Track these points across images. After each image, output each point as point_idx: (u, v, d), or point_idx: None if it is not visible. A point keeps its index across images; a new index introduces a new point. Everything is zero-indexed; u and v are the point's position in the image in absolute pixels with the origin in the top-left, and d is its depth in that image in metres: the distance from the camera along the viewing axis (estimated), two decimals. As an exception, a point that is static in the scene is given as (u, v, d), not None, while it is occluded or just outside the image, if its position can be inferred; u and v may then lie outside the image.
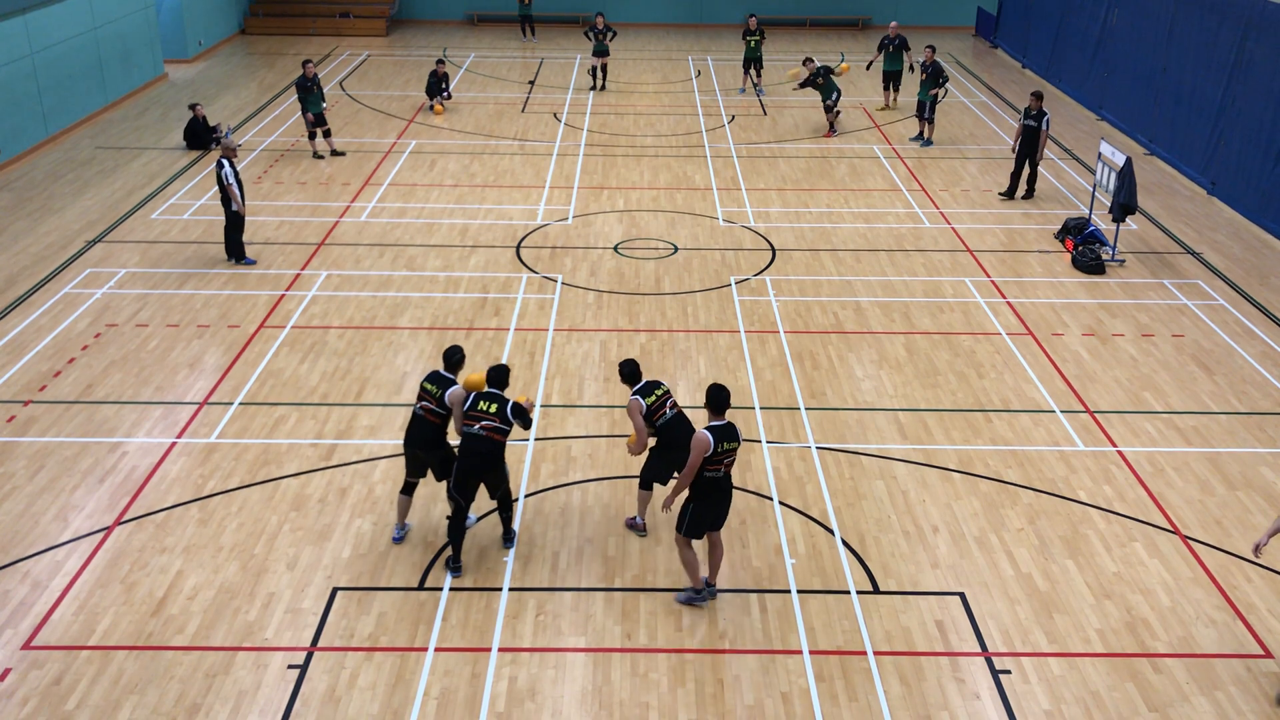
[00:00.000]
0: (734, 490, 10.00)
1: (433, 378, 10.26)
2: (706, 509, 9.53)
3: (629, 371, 10.50)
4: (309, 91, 21.48)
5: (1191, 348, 14.70)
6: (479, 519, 10.83)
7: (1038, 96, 19.65)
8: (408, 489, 10.60)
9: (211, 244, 17.52)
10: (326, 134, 21.93)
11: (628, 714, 8.65)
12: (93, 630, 9.44)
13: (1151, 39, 23.37)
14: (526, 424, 10.11)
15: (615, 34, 27.94)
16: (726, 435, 9.30)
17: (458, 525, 10.05)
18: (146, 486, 11.43)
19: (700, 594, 9.82)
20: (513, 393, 13.25)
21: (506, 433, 9.92)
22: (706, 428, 9.29)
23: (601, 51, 27.33)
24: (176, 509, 11.08)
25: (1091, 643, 9.46)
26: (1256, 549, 8.90)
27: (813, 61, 24.33)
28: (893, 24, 26.14)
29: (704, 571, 9.95)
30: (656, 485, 10.76)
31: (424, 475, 10.54)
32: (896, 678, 9.03)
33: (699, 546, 10.14)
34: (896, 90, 26.23)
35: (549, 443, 12.31)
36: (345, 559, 10.37)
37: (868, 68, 27.37)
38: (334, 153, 22.02)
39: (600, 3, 35.45)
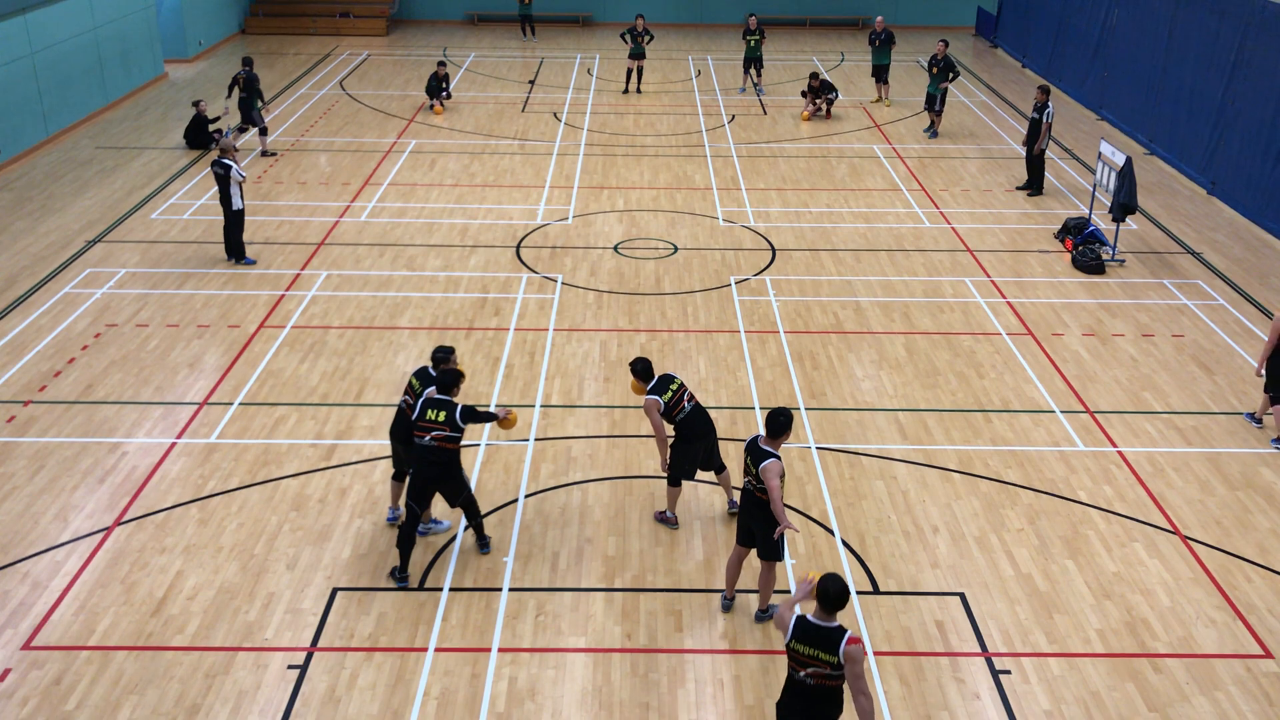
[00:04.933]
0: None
1: (420, 374, 10.35)
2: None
3: (641, 369, 10.38)
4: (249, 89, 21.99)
5: (1191, 348, 14.69)
6: (466, 528, 10.75)
7: (1043, 90, 20.15)
8: (399, 476, 10.74)
9: (211, 244, 17.52)
10: (263, 133, 22.21)
11: (628, 714, 8.65)
12: (93, 630, 9.44)
13: (1151, 39, 23.37)
14: (485, 419, 9.92)
15: (653, 37, 27.81)
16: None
17: (407, 533, 9.94)
18: (146, 486, 11.43)
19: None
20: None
21: (458, 440, 9.78)
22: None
23: (638, 54, 27.28)
24: (176, 509, 11.08)
25: (1091, 643, 9.46)
26: None
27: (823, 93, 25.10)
28: (878, 18, 26.23)
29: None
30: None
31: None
32: (896, 678, 9.03)
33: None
34: (885, 84, 26.32)
35: (549, 443, 12.30)
36: (345, 559, 10.37)
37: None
38: (264, 153, 22.12)
39: (602, 2, 35.51)
